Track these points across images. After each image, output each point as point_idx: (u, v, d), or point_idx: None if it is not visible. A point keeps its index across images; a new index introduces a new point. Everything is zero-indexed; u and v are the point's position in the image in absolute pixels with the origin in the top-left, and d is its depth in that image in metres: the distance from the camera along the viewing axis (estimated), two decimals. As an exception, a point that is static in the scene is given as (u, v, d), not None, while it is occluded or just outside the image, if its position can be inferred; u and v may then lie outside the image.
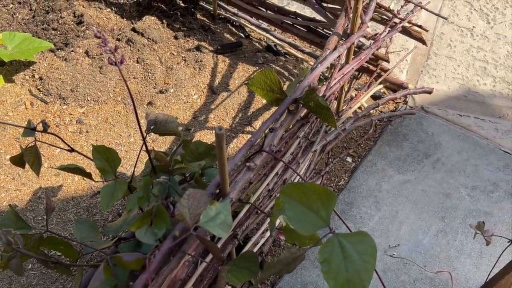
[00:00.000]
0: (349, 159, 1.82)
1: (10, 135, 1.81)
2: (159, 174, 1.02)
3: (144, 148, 1.00)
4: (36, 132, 0.95)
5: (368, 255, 0.76)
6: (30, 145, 0.91)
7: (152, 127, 1.07)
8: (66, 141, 0.97)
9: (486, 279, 1.45)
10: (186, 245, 0.90)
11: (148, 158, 1.07)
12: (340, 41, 1.37)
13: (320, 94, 1.24)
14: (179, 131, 1.10)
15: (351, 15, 1.29)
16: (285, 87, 1.68)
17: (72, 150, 0.95)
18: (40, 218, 1.61)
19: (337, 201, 1.68)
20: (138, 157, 1.07)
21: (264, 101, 1.97)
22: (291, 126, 1.25)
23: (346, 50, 1.33)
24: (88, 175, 1.00)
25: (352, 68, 1.36)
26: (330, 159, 1.77)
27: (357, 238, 0.77)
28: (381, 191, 1.71)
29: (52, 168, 1.73)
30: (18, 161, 0.93)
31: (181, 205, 0.80)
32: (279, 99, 1.13)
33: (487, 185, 1.74)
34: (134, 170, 1.01)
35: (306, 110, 1.22)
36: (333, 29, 1.38)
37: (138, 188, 1.01)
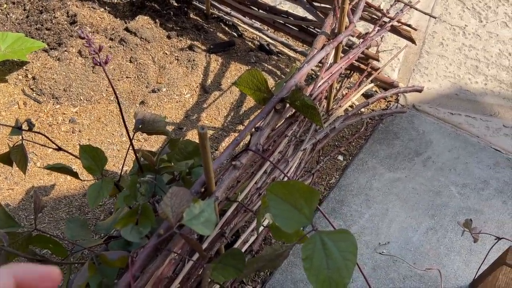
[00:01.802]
0: (340, 158, 1.83)
1: (3, 134, 1.82)
2: (146, 173, 1.04)
3: (132, 148, 1.01)
4: (27, 131, 0.96)
5: (349, 252, 0.77)
6: (17, 143, 0.92)
7: (140, 126, 1.08)
8: (53, 140, 0.98)
9: (475, 276, 1.47)
10: (171, 243, 0.92)
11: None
12: (330, 40, 1.38)
13: (307, 93, 1.25)
14: (166, 130, 1.11)
15: (339, 14, 1.30)
16: (275, 86, 1.69)
17: (59, 149, 0.96)
18: (32, 217, 1.62)
19: (328, 199, 1.69)
20: (126, 156, 1.08)
21: (257, 100, 1.98)
22: (278, 125, 1.26)
23: (334, 50, 1.34)
24: (75, 175, 1.01)
25: (341, 67, 1.37)
26: (321, 158, 1.78)
27: (338, 236, 0.78)
28: (372, 189, 1.72)
29: (40, 164, 1.74)
30: (5, 159, 0.94)
31: (164, 203, 0.81)
32: (266, 98, 1.14)
33: (478, 183, 1.76)
34: (122, 169, 1.02)
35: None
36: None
37: (125, 187, 1.02)
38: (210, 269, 0.92)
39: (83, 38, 0.81)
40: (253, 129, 1.09)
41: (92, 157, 0.97)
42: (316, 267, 0.77)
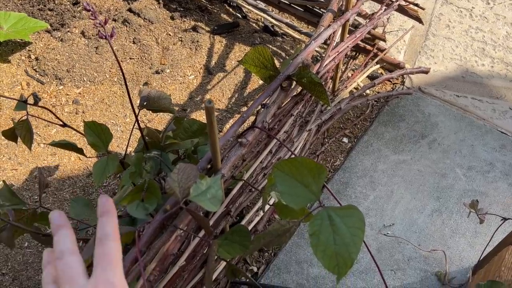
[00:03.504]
0: (345, 140, 1.82)
1: (6, 115, 1.81)
2: (151, 150, 1.03)
3: (137, 125, 1.00)
4: (30, 108, 0.95)
5: (356, 228, 0.77)
6: (22, 118, 0.91)
7: (145, 103, 1.07)
8: (58, 116, 0.97)
9: (480, 257, 1.46)
10: (177, 219, 0.91)
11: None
12: (337, 18, 1.36)
13: (314, 71, 1.23)
14: (171, 108, 1.10)
15: (346, -8, 1.28)
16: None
17: (64, 125, 0.95)
18: (36, 197, 1.62)
19: (333, 181, 1.68)
20: (131, 134, 1.07)
21: (261, 82, 1.97)
22: (284, 104, 1.24)
23: (340, 28, 1.33)
24: (80, 151, 1.00)
25: (348, 46, 1.35)
26: (326, 139, 1.77)
27: (346, 212, 0.78)
28: (377, 171, 1.71)
29: (44, 144, 1.74)
30: (10, 135, 0.93)
31: (171, 179, 0.80)
32: (272, 76, 1.13)
33: (483, 165, 1.75)
34: (127, 147, 1.01)
35: (300, 88, 1.21)
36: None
37: (131, 164, 1.01)
38: (217, 245, 0.92)
39: (88, 11, 0.80)
40: (259, 107, 1.08)
41: (97, 133, 0.96)
42: (323, 243, 0.77)
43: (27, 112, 0.88)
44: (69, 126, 0.93)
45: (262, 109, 1.07)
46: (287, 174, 0.82)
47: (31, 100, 0.85)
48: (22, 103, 0.83)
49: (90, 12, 0.80)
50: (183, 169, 0.83)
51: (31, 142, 0.92)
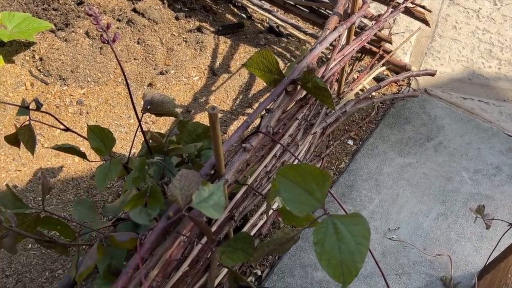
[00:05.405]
0: (350, 142, 1.81)
1: (11, 115, 1.81)
2: (155, 154, 1.02)
3: (140, 129, 1.00)
4: (35, 112, 0.94)
5: (361, 237, 0.76)
6: (24, 124, 0.91)
7: (148, 107, 1.06)
8: (61, 121, 0.97)
9: (486, 262, 1.45)
10: (180, 225, 0.90)
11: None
12: (343, 21, 1.35)
13: (319, 75, 1.22)
14: (175, 112, 1.09)
15: (352, -6, 1.26)
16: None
17: (67, 129, 0.95)
18: (40, 198, 1.61)
19: (338, 184, 1.67)
20: (134, 137, 1.07)
21: (266, 83, 1.96)
22: (289, 108, 1.23)
23: (346, 31, 1.31)
24: (83, 155, 0.99)
25: (353, 49, 1.34)
26: (331, 142, 1.76)
27: (351, 220, 0.77)
28: (382, 174, 1.70)
29: (48, 148, 1.73)
30: (13, 140, 0.93)
31: (173, 186, 0.79)
32: (277, 80, 1.12)
33: (490, 168, 1.73)
34: (130, 151, 1.00)
35: (305, 91, 1.20)
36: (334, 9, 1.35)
37: (134, 168, 1.00)
38: (219, 252, 0.91)
39: (90, 15, 0.79)
40: (264, 111, 1.07)
41: (101, 137, 0.95)
42: (328, 251, 0.76)
43: (30, 118, 0.88)
44: (71, 131, 0.92)
45: (267, 114, 1.06)
46: (291, 181, 0.81)
47: (33, 105, 0.84)
48: (23, 109, 0.83)
49: (92, 17, 0.79)
50: (185, 175, 0.82)
51: (33, 147, 0.91)
